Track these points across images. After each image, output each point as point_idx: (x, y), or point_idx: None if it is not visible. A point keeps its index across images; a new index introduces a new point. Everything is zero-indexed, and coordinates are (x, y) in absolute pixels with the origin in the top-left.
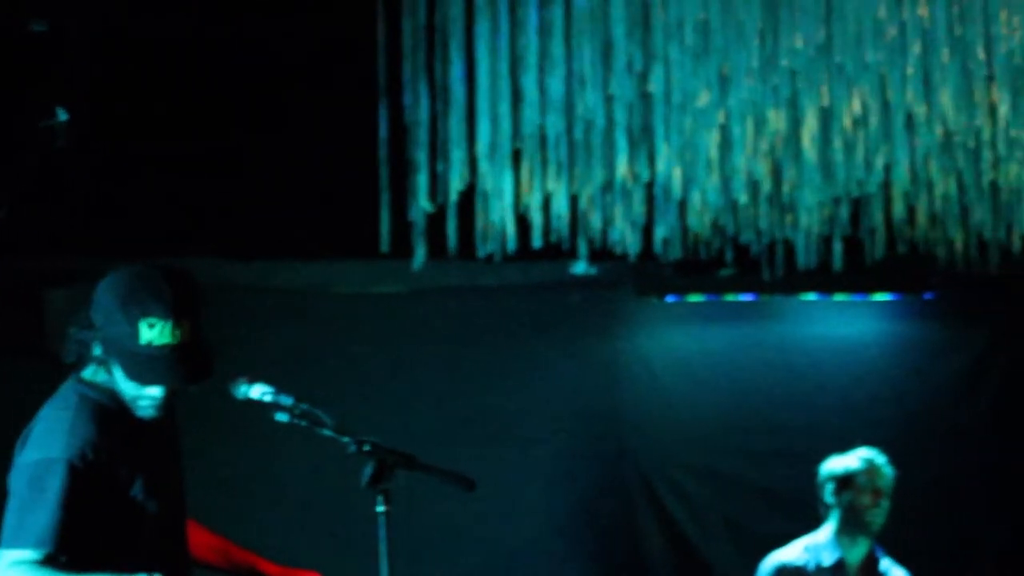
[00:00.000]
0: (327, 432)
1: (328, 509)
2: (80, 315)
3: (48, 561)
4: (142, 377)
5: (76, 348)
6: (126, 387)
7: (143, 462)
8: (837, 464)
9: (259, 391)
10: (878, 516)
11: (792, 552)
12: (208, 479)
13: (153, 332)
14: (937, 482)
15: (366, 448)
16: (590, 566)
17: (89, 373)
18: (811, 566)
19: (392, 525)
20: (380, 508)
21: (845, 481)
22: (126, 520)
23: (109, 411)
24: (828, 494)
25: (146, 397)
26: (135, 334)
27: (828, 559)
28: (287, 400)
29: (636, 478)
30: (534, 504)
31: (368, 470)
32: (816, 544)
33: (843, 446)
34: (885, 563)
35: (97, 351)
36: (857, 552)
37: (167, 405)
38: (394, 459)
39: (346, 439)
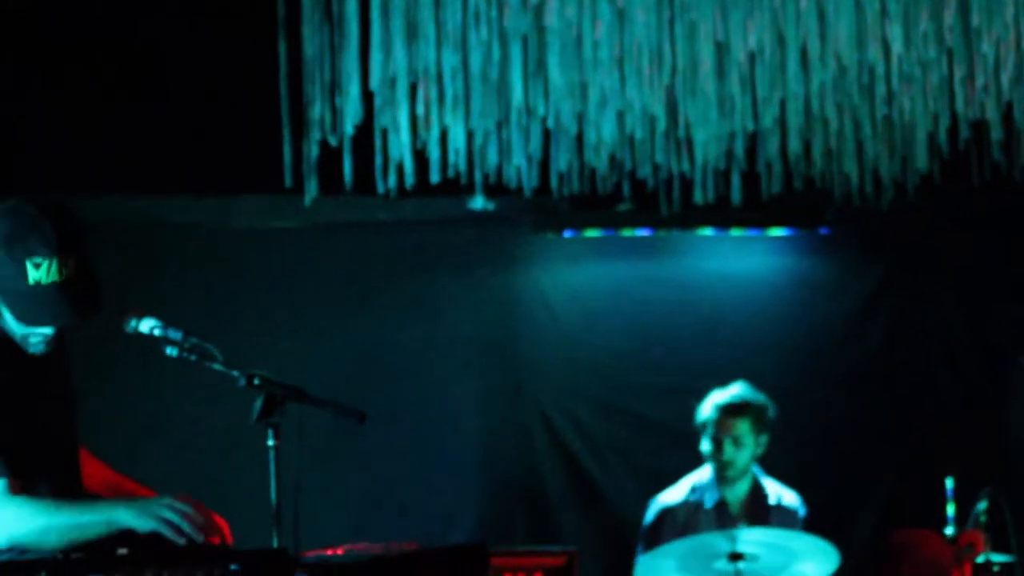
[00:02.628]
0: (216, 366)
1: (219, 443)
2: None
3: (13, 482)
4: (32, 317)
5: None
6: (15, 326)
7: (35, 394)
8: (701, 410)
9: (148, 325)
10: (724, 469)
11: (677, 493)
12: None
13: (40, 272)
14: (830, 416)
15: (256, 382)
16: (487, 499)
17: None
18: (693, 508)
19: (283, 459)
20: (270, 442)
21: (702, 429)
22: (27, 447)
23: None
24: (699, 440)
25: (37, 334)
26: (22, 274)
27: (709, 500)
28: (176, 334)
29: (534, 412)
30: (431, 437)
31: (258, 404)
32: (700, 484)
33: (732, 381)
34: (774, 492)
35: None
36: (738, 490)
37: (57, 339)
38: (283, 392)
39: (235, 372)
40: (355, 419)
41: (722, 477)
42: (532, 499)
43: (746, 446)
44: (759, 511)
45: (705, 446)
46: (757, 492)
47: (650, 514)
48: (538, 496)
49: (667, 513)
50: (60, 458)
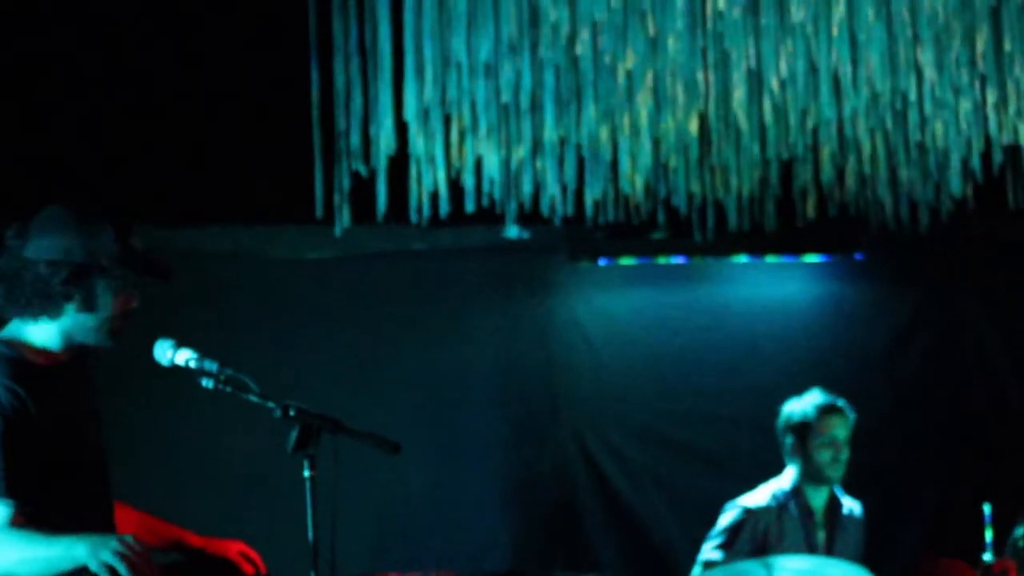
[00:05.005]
0: (252, 397)
1: (256, 475)
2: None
3: (17, 513)
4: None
5: (35, 291)
6: (85, 319)
7: (63, 413)
8: (795, 411)
9: (184, 356)
10: (838, 469)
11: (759, 497)
12: (135, 445)
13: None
14: (869, 442)
15: (291, 413)
16: (524, 526)
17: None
18: (777, 513)
19: (320, 489)
20: (306, 473)
21: (803, 432)
22: (59, 468)
23: (25, 364)
24: (787, 444)
25: (108, 321)
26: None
27: (795, 507)
28: (212, 366)
29: (570, 439)
30: (469, 468)
31: (293, 435)
32: (781, 491)
33: (775, 408)
34: (847, 502)
35: (58, 285)
36: (821, 497)
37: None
38: (319, 423)
39: (271, 404)
40: (390, 450)
41: (827, 479)
42: (569, 526)
43: (848, 447)
44: (837, 520)
45: (810, 448)
46: (835, 501)
47: (730, 515)
48: (575, 523)
49: (750, 515)
50: (94, 472)
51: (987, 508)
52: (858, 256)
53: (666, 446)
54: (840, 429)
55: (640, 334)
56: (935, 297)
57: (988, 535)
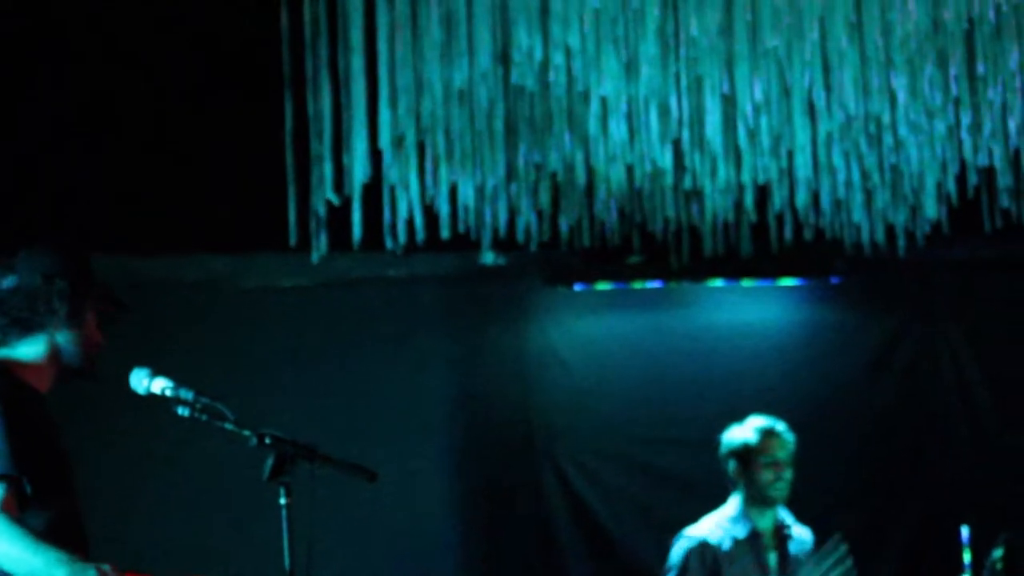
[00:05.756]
0: (228, 426)
1: (232, 502)
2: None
3: (12, 488)
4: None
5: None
6: (69, 337)
7: (52, 434)
8: (736, 437)
9: (160, 385)
10: (781, 489)
11: (705, 526)
12: (112, 473)
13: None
14: (846, 466)
15: (267, 441)
16: (502, 552)
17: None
18: (726, 539)
19: (296, 517)
20: (282, 500)
21: (744, 456)
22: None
23: (20, 381)
24: (730, 470)
25: (89, 340)
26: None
27: (741, 531)
28: (187, 394)
29: (547, 465)
30: (445, 493)
31: (269, 463)
32: (727, 517)
33: None
34: (793, 527)
35: (52, 297)
36: (767, 519)
37: None
38: (295, 451)
39: (247, 432)
40: (367, 478)
41: (770, 500)
42: (547, 552)
43: (789, 469)
44: (784, 545)
45: (751, 471)
46: (781, 523)
47: (679, 547)
48: (552, 549)
49: (698, 545)
50: (71, 493)
51: (965, 530)
52: (834, 280)
53: (642, 470)
54: (781, 450)
55: (616, 359)
56: (911, 321)
57: (966, 557)
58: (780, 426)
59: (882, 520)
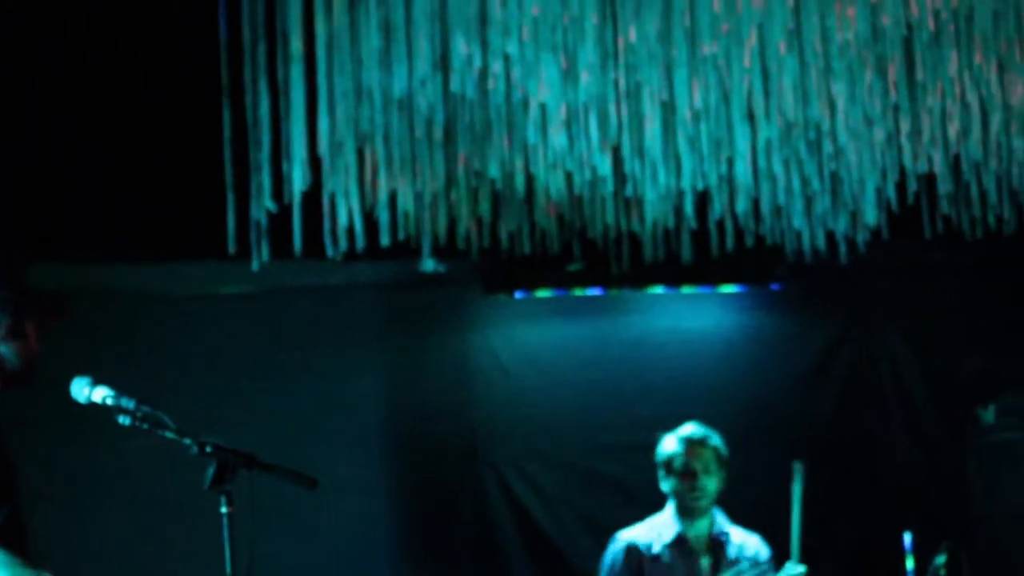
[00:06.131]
0: (169, 434)
1: (173, 511)
2: None
3: None
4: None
5: None
6: (8, 348)
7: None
8: (661, 446)
9: (101, 394)
10: (695, 498)
11: (637, 531)
12: (53, 482)
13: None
14: (787, 473)
15: (208, 449)
16: (444, 559)
17: None
18: (654, 543)
19: (237, 525)
20: (223, 509)
21: (666, 466)
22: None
23: None
24: (659, 477)
25: (30, 350)
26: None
27: (669, 535)
28: (129, 403)
29: (489, 473)
30: (387, 500)
31: (210, 471)
32: (660, 522)
33: None
34: (737, 534)
35: None
36: (698, 527)
37: None
38: (236, 460)
39: (187, 440)
40: (307, 486)
41: (689, 509)
42: (488, 558)
43: (713, 476)
44: (722, 548)
45: (671, 480)
46: (718, 532)
47: (609, 551)
48: (494, 555)
49: (627, 549)
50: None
51: (907, 537)
52: (774, 287)
53: (582, 477)
54: (696, 460)
55: (557, 366)
56: (852, 327)
57: (909, 564)
58: (701, 434)
59: (824, 525)
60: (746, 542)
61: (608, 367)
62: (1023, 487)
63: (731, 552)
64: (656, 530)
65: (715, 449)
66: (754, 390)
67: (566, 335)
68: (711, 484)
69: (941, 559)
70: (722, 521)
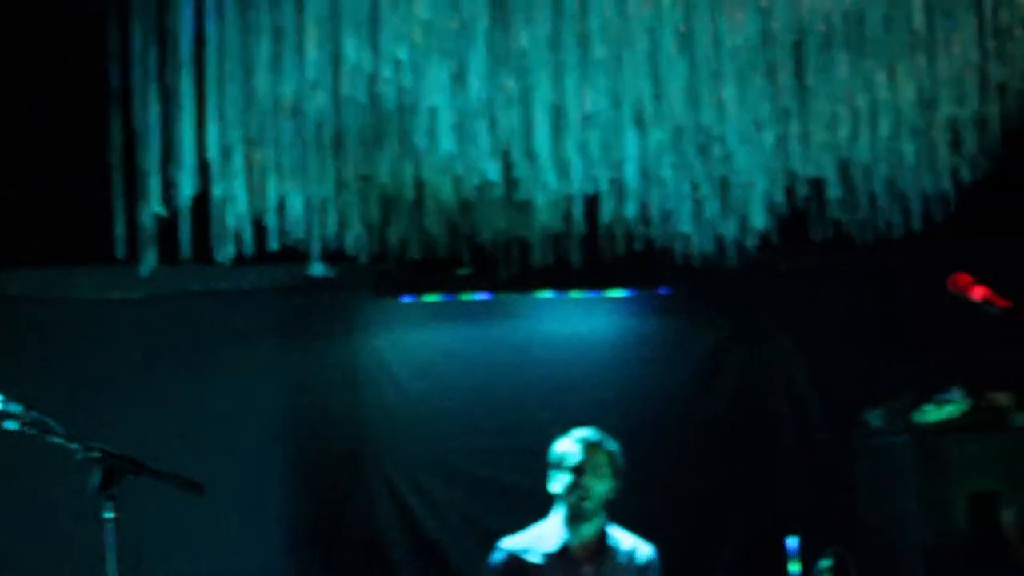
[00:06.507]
0: (56, 439)
1: (58, 515)
2: None
3: None
4: None
5: None
6: None
7: None
8: (553, 450)
9: None
10: (584, 498)
11: (522, 539)
12: None
13: None
14: (675, 477)
15: (94, 455)
16: (331, 566)
17: None
18: (537, 552)
19: (124, 530)
20: (108, 514)
21: (557, 465)
22: None
23: None
24: (549, 479)
25: None
26: None
27: (553, 544)
28: (16, 408)
29: (377, 478)
30: (274, 506)
31: (96, 476)
32: (545, 530)
33: None
34: (627, 541)
35: None
36: (583, 534)
37: None
38: (122, 465)
39: (75, 445)
40: (194, 491)
41: (577, 514)
42: (377, 564)
43: (604, 479)
44: (605, 555)
45: (561, 481)
46: (604, 539)
47: (492, 560)
48: (382, 561)
49: (510, 558)
50: None
51: (793, 541)
52: (663, 291)
53: (473, 482)
54: (587, 460)
55: (445, 370)
56: (741, 330)
57: (794, 567)
58: (597, 438)
59: (711, 529)
60: (637, 549)
61: (496, 371)
62: (908, 491)
63: (621, 559)
64: (540, 538)
65: (609, 454)
66: (643, 394)
67: (454, 339)
68: (600, 486)
69: (826, 563)
70: (611, 529)
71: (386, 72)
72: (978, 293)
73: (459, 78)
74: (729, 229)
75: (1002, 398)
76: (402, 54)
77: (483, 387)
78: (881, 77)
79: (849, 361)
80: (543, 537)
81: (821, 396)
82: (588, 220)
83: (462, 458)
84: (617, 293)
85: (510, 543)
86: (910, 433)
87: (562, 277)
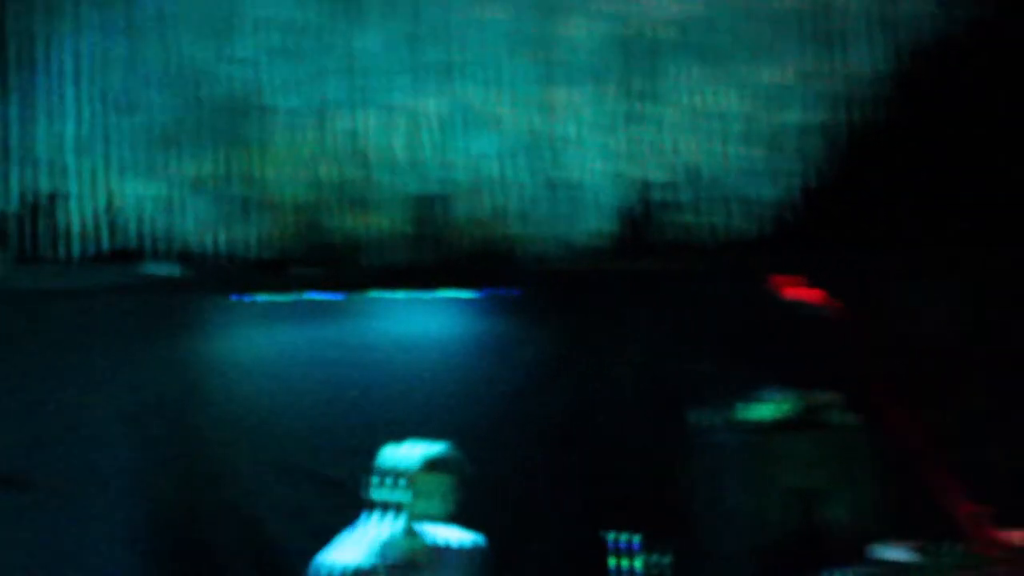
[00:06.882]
0: None
1: None
2: None
3: None
4: None
5: None
6: None
7: None
8: (391, 459)
9: None
10: (425, 519)
11: (351, 552)
12: None
13: None
14: (513, 478)
15: None
16: (166, 567)
17: None
18: (370, 562)
19: None
20: None
21: (393, 479)
22: None
23: None
24: (382, 487)
25: None
26: None
27: (393, 555)
28: None
29: (213, 478)
30: (106, 507)
31: None
32: (379, 539)
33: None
34: (452, 538)
35: None
36: (417, 543)
37: None
38: None
39: None
40: (14, 487)
41: (412, 524)
42: (211, 566)
43: (440, 493)
44: (437, 560)
45: (396, 493)
46: (436, 544)
47: (332, 572)
48: (217, 563)
49: (349, 570)
50: None
51: (624, 537)
52: (502, 292)
53: (311, 483)
54: (426, 478)
55: (287, 371)
56: (582, 331)
57: (623, 564)
58: (436, 452)
59: (543, 525)
60: (467, 543)
61: (339, 371)
62: (731, 490)
63: (454, 559)
64: (373, 548)
65: (448, 467)
66: (486, 395)
67: (297, 339)
68: (434, 501)
69: (655, 559)
70: (440, 531)
71: (226, 71)
72: (806, 296)
73: (300, 78)
74: (571, 231)
75: (825, 397)
76: (248, 53)
77: (325, 387)
78: (722, 84)
79: (683, 361)
80: (376, 547)
81: (655, 396)
82: (432, 220)
83: (301, 457)
84: (461, 294)
85: (342, 557)
86: (737, 432)
87: (406, 277)
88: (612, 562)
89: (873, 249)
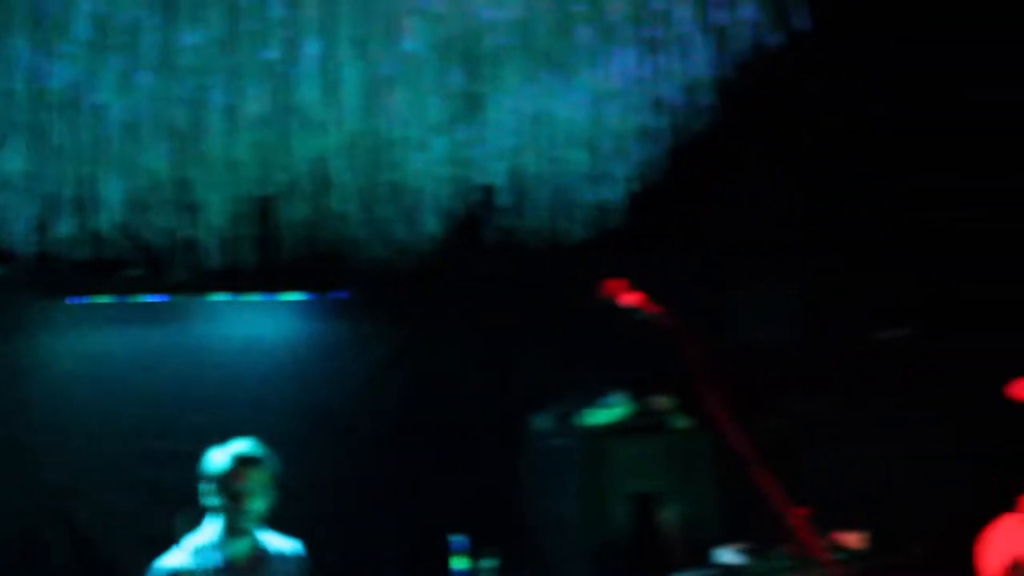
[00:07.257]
0: None
1: None
2: None
3: None
4: None
5: None
6: None
7: None
8: (211, 462)
9: None
10: (244, 519)
11: (178, 557)
12: None
13: None
14: (346, 477)
15: None
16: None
17: None
18: (199, 570)
19: None
20: None
21: (213, 483)
22: None
23: None
24: (205, 494)
25: None
26: None
27: (216, 559)
28: None
29: (38, 487)
30: None
31: None
32: (202, 545)
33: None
34: (277, 543)
35: None
36: (241, 546)
37: None
38: None
39: None
40: None
41: (236, 530)
42: (38, 566)
43: (264, 497)
44: (262, 564)
45: (219, 499)
46: (259, 546)
47: None
48: (44, 563)
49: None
50: None
51: (458, 539)
52: (338, 294)
53: (140, 487)
54: (245, 481)
55: (114, 373)
56: (416, 332)
57: (458, 564)
58: (253, 453)
59: (379, 528)
60: (288, 549)
61: (167, 374)
62: (568, 493)
63: (278, 564)
64: (200, 553)
65: (267, 469)
66: (315, 395)
67: (123, 342)
68: (259, 505)
69: (488, 563)
70: (264, 535)
71: (51, 67)
72: (630, 299)
73: (128, 75)
74: (402, 233)
75: (662, 401)
76: (69, 49)
77: (153, 389)
78: (552, 87)
79: (518, 365)
80: (203, 551)
81: (491, 399)
82: (262, 222)
83: (129, 461)
84: (292, 296)
85: (168, 561)
86: (575, 436)
87: (236, 279)
88: (450, 564)
89: (702, 254)
